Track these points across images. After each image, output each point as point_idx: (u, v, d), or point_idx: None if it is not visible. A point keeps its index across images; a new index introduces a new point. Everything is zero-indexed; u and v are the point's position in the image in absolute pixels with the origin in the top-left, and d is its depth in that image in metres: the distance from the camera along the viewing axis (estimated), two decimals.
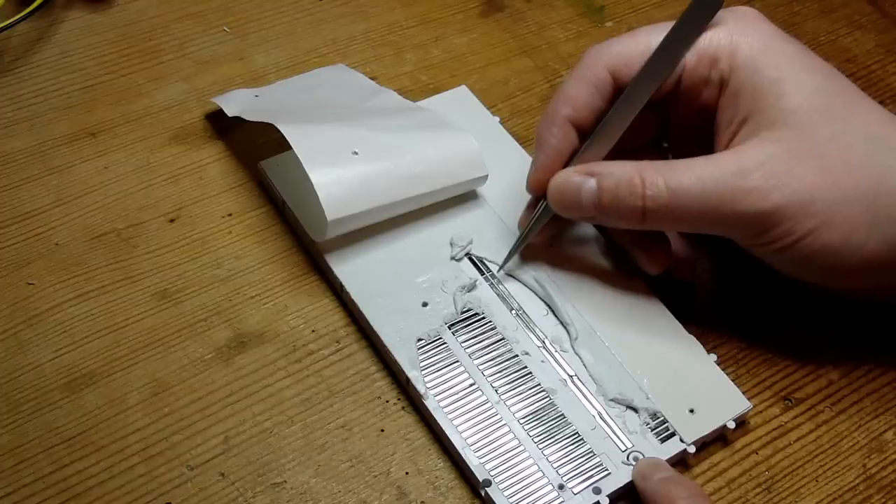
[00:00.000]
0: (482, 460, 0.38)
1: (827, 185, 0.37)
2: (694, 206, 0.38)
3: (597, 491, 0.38)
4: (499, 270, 0.44)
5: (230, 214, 0.46)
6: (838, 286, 0.41)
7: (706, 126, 0.41)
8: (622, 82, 0.41)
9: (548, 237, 0.44)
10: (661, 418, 0.40)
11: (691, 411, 0.40)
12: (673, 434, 0.39)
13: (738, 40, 0.39)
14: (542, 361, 0.41)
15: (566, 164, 0.41)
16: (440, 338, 0.41)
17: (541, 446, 0.39)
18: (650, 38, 0.40)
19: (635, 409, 0.40)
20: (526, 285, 0.43)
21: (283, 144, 0.42)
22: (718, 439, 0.41)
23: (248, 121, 0.45)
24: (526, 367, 0.41)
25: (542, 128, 0.42)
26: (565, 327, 0.42)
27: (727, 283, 0.45)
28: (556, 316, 0.43)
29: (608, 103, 0.41)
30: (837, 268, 0.39)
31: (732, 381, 0.41)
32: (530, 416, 0.40)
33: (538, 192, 0.42)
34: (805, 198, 0.37)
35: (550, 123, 0.41)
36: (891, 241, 0.38)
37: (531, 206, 0.43)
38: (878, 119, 0.39)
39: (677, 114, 0.42)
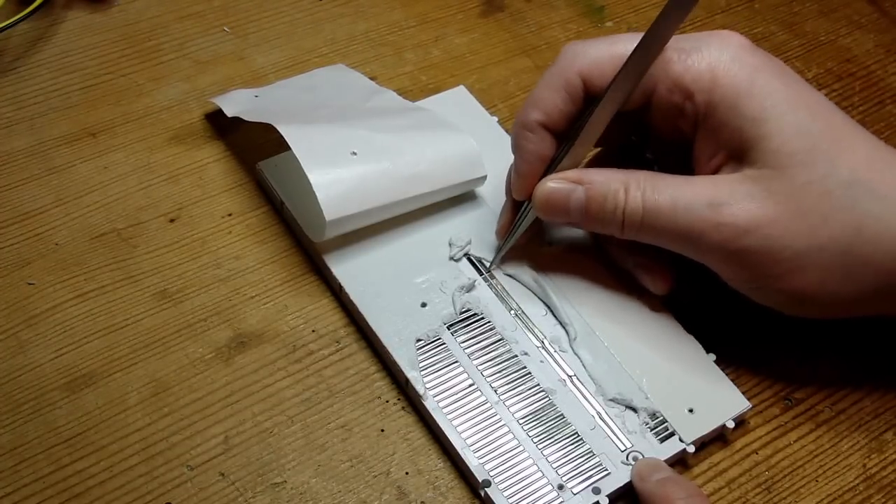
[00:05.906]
0: (482, 460, 0.38)
1: (802, 231, 0.37)
2: (665, 227, 0.39)
3: (596, 491, 0.38)
4: (487, 272, 0.44)
5: (230, 214, 0.46)
6: (816, 318, 0.41)
7: (684, 144, 0.41)
8: (594, 89, 0.40)
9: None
10: (661, 418, 0.40)
11: (690, 411, 0.40)
12: (672, 434, 0.39)
13: (719, 75, 0.38)
14: (542, 361, 0.41)
15: (547, 167, 0.42)
16: (439, 338, 0.41)
17: (540, 446, 0.39)
18: (627, 45, 0.39)
19: (634, 409, 0.40)
20: (525, 285, 0.43)
21: (283, 145, 0.42)
22: (718, 439, 0.41)
23: (248, 121, 0.45)
24: (525, 367, 0.41)
25: (517, 134, 0.42)
26: (564, 327, 0.42)
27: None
28: (554, 316, 0.43)
29: (579, 108, 0.41)
30: (812, 306, 0.39)
31: (732, 380, 0.41)
32: (529, 417, 0.40)
33: (525, 197, 0.42)
34: (777, 244, 0.37)
35: (526, 129, 0.41)
36: (866, 286, 0.38)
37: (509, 212, 0.44)
38: (865, 159, 0.38)
39: (653, 127, 0.42)
